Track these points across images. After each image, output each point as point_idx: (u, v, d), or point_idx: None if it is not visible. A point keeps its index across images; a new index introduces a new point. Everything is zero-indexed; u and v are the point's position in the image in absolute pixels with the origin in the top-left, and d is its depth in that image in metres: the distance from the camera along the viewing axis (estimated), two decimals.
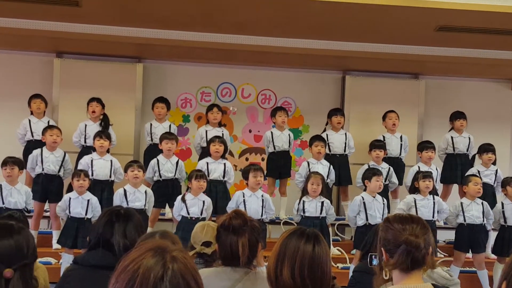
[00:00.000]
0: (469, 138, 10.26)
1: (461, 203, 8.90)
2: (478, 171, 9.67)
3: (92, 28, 9.61)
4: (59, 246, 8.44)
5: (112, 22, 9.53)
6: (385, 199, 8.85)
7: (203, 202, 8.42)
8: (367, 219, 8.57)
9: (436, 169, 9.84)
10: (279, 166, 9.88)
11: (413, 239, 2.97)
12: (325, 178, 9.12)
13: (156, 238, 3.25)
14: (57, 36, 9.64)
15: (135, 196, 8.40)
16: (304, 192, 8.74)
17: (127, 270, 1.90)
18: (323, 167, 9.39)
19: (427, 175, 8.91)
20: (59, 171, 8.97)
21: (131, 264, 1.91)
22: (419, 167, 9.55)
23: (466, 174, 9.50)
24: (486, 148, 9.83)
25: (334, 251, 9.02)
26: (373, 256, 3.29)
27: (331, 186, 9.76)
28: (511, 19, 8.78)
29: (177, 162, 9.20)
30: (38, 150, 8.96)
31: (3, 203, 8.19)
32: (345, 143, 10.03)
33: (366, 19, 9.04)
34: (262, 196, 8.65)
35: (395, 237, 3.00)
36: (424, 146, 9.85)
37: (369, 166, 9.48)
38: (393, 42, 10.05)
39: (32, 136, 9.49)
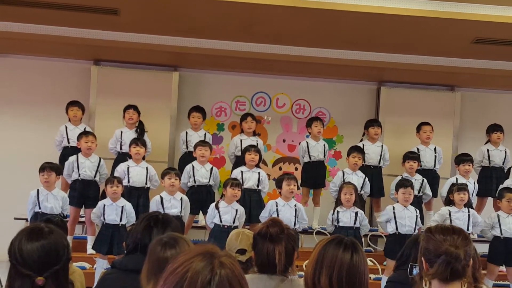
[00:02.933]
0: (506, 151, 10.17)
1: (498, 215, 8.83)
2: None
3: (129, 36, 9.72)
4: (93, 252, 8.49)
5: (149, 31, 9.64)
6: (417, 210, 8.81)
7: (236, 210, 8.44)
8: (397, 228, 8.56)
9: (474, 183, 9.77)
10: (313, 176, 9.89)
11: (453, 250, 2.97)
12: (359, 189, 9.11)
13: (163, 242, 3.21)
14: (95, 44, 9.78)
15: (171, 203, 8.45)
16: (338, 202, 8.73)
17: (175, 272, 1.93)
18: (357, 178, 9.37)
19: (462, 187, 8.86)
20: (95, 176, 9.06)
21: (180, 267, 1.93)
22: (456, 179, 9.50)
23: (501, 188, 9.41)
24: None
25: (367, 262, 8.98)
26: (413, 266, 3.28)
27: (365, 198, 9.74)
28: None
29: (211, 169, 9.26)
30: (74, 156, 9.05)
31: (40, 208, 8.27)
32: (381, 155, 10.01)
33: (402, 31, 9.04)
34: (295, 205, 8.66)
35: (435, 247, 2.99)
36: (462, 159, 9.78)
37: (402, 177, 9.43)
38: (429, 54, 10.03)
39: (68, 143, 9.60)
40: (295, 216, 8.57)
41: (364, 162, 9.77)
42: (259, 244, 3.78)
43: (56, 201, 8.33)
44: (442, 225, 3.17)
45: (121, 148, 9.65)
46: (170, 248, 3.12)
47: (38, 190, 8.34)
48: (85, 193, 8.96)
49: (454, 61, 10.14)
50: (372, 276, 8.79)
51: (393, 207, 8.69)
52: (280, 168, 11.02)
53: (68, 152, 9.46)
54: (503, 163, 10.17)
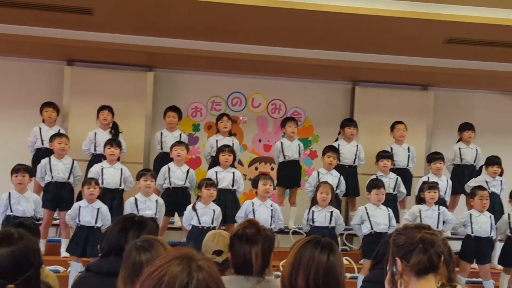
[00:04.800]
0: (477, 149, 10.30)
1: (470, 214, 8.92)
2: (486, 181, 9.69)
3: (103, 36, 9.63)
4: (67, 255, 8.44)
5: (124, 31, 9.56)
6: (390, 209, 8.88)
7: (214, 211, 8.45)
8: (372, 228, 8.62)
9: (448, 180, 9.86)
10: (289, 176, 9.92)
11: (429, 236, 2.97)
12: (335, 188, 9.15)
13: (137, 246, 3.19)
14: (69, 44, 9.68)
15: (146, 204, 8.42)
16: (314, 202, 8.78)
17: (152, 276, 1.92)
18: (332, 178, 9.42)
19: (433, 186, 8.97)
20: (68, 178, 8.98)
21: (156, 271, 1.93)
22: (428, 178, 9.60)
23: (473, 186, 9.50)
24: (493, 161, 9.87)
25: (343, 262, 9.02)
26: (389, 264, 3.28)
27: (341, 197, 9.79)
28: None
29: (187, 171, 9.24)
30: (46, 159, 8.97)
31: (11, 211, 8.20)
32: (356, 155, 10.07)
33: (376, 31, 9.08)
34: (271, 205, 8.69)
35: (409, 240, 2.98)
36: (433, 157, 9.88)
37: (376, 176, 9.49)
38: (403, 54, 10.08)
39: (42, 144, 9.50)
40: (272, 216, 8.60)
41: (339, 161, 9.81)
42: (236, 245, 3.79)
43: (28, 203, 8.27)
44: (409, 224, 3.20)
45: (95, 150, 9.58)
46: (145, 251, 3.10)
47: (9, 193, 8.26)
48: (59, 196, 8.90)
49: (427, 60, 10.20)
50: (348, 275, 8.82)
51: (365, 208, 8.77)
52: (256, 168, 11.03)
53: (41, 154, 9.38)
54: (474, 161, 10.29)
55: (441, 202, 9.13)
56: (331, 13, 8.42)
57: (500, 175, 9.89)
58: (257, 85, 11.06)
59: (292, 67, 10.25)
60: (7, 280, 2.56)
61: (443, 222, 8.90)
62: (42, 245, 8.48)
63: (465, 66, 10.24)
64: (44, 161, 8.97)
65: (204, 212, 8.40)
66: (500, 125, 11.40)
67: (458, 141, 10.43)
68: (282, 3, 8.35)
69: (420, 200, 8.99)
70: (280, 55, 9.94)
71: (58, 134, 9.15)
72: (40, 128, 9.61)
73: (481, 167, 10.22)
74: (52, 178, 8.90)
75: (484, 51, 9.72)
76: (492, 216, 8.94)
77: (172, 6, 8.46)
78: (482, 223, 8.84)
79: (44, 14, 8.90)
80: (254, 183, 8.78)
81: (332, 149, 9.65)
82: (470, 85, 11.13)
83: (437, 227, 8.70)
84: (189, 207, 8.52)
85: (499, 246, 9.32)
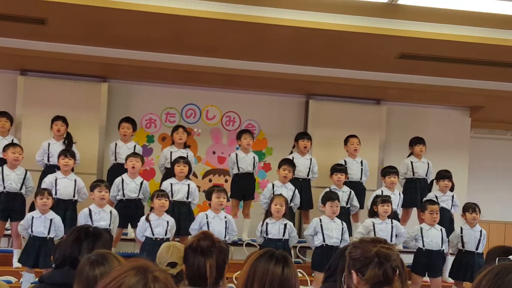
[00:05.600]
0: (428, 163, 10.42)
1: (421, 228, 9.05)
2: (436, 196, 9.84)
3: (57, 46, 9.55)
4: (19, 265, 8.34)
5: (78, 41, 9.50)
6: (344, 222, 8.95)
7: (167, 222, 8.43)
8: (324, 240, 8.69)
9: (400, 194, 9.99)
10: (243, 188, 9.94)
11: (384, 250, 3.02)
12: (289, 201, 9.20)
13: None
14: (22, 53, 9.57)
15: (100, 215, 8.36)
16: (268, 214, 8.81)
17: (111, 285, 1.94)
18: (287, 191, 9.46)
19: (385, 199, 9.04)
20: (20, 188, 8.88)
21: (112, 282, 1.94)
22: (382, 192, 9.68)
23: (424, 200, 9.64)
24: (443, 175, 10.01)
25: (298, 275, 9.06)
26: (344, 276, 3.33)
27: (295, 210, 9.85)
28: (471, 49, 9.03)
29: (141, 183, 9.21)
30: None
31: None
32: (309, 168, 10.12)
33: (329, 45, 9.19)
34: (225, 217, 8.70)
35: (365, 254, 3.03)
36: (387, 171, 9.96)
37: (330, 189, 9.56)
38: (356, 68, 10.20)
39: None
40: (226, 228, 8.61)
41: (294, 175, 9.86)
42: (190, 258, 3.80)
43: None
44: (366, 237, 3.24)
45: (48, 160, 9.49)
46: (98, 265, 3.09)
47: None
48: (10, 206, 8.79)
49: (380, 75, 10.34)
50: (301, 287, 8.89)
51: (320, 219, 8.83)
52: (210, 180, 11.04)
53: None
54: (426, 175, 10.42)
55: (393, 215, 9.24)
56: (285, 27, 8.50)
57: (451, 190, 10.05)
58: (211, 97, 11.08)
59: (247, 80, 10.30)
60: None
61: (396, 235, 9.00)
62: None
63: (417, 81, 10.40)
64: None
65: (157, 224, 8.38)
66: (451, 140, 11.62)
67: (409, 155, 10.57)
68: (239, 16, 8.40)
69: (373, 213, 9.06)
70: (234, 68, 9.98)
71: (12, 144, 9.04)
72: None
73: (432, 182, 10.36)
74: (4, 188, 8.79)
75: (436, 66, 9.90)
76: (443, 229, 9.07)
77: (126, 17, 8.44)
78: (433, 237, 8.96)
79: None
80: (208, 195, 8.79)
81: (288, 162, 9.70)
82: (422, 100, 11.30)
83: (391, 240, 8.78)
84: (143, 218, 8.49)
85: (450, 260, 9.47)
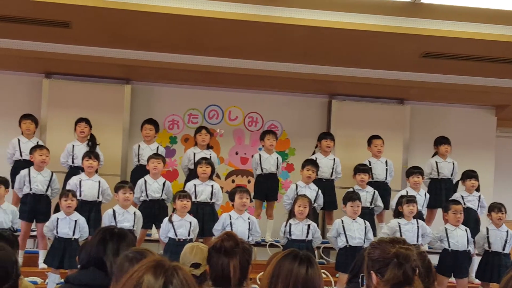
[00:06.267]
0: (453, 163, 10.33)
1: (446, 228, 8.97)
2: (462, 196, 9.76)
3: (81, 49, 9.65)
4: (45, 266, 8.39)
5: (101, 44, 9.59)
6: (367, 222, 8.90)
7: (190, 223, 8.44)
8: (347, 241, 8.66)
9: (425, 194, 9.90)
10: (266, 188, 9.93)
11: (403, 251, 3.00)
12: (313, 202, 9.17)
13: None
14: (47, 56, 9.68)
15: (124, 216, 8.40)
16: (291, 214, 8.78)
17: (131, 279, 1.95)
18: (310, 191, 9.43)
19: (411, 199, 8.96)
20: (46, 190, 8.96)
21: (135, 273, 1.96)
22: (407, 192, 9.58)
23: (449, 200, 9.56)
24: (469, 175, 9.91)
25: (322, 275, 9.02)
26: (364, 277, 3.31)
27: (318, 211, 9.82)
28: (495, 47, 8.95)
29: (164, 183, 9.23)
30: (26, 170, 8.95)
31: None
32: (333, 168, 10.07)
33: (352, 45, 9.16)
34: (248, 218, 8.69)
35: (383, 255, 3.01)
36: (412, 171, 9.86)
37: (353, 189, 9.51)
38: (379, 68, 10.16)
39: (21, 156, 9.49)
40: (249, 229, 8.60)
41: (317, 175, 9.83)
42: (214, 258, 3.79)
43: (5, 215, 8.23)
44: (385, 238, 3.20)
45: (73, 162, 9.56)
46: (137, 262, 3.10)
47: None
48: (36, 208, 8.87)
49: (403, 74, 10.29)
50: None
51: (342, 221, 8.79)
52: (233, 181, 11.04)
53: (20, 165, 9.35)
54: (451, 175, 10.33)
55: (418, 216, 9.17)
56: (308, 27, 8.49)
57: (477, 190, 9.95)
58: (234, 98, 11.09)
59: (269, 80, 10.30)
60: None
61: (422, 235, 8.93)
62: (20, 256, 8.46)
63: (441, 80, 10.34)
64: (24, 172, 8.94)
65: (180, 225, 8.40)
66: (477, 139, 11.51)
67: (434, 155, 10.48)
68: (260, 17, 8.41)
69: (398, 214, 9.00)
70: (256, 69, 9.99)
71: (39, 146, 9.13)
72: (19, 140, 9.59)
73: (457, 182, 10.26)
74: (31, 190, 8.87)
75: (460, 65, 9.83)
76: (468, 230, 8.97)
77: (148, 20, 8.49)
78: (458, 237, 8.87)
79: (22, 27, 8.89)
80: (231, 196, 8.79)
81: (311, 163, 9.67)
82: (446, 99, 11.22)
83: (417, 241, 8.74)
84: (166, 219, 8.51)
85: (477, 260, 9.38)
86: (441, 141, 10.41)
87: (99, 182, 9.02)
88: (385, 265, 2.98)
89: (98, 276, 3.57)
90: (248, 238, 8.44)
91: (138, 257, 3.13)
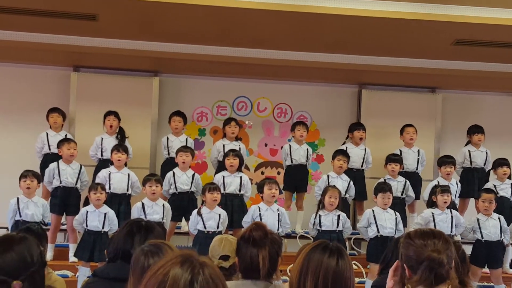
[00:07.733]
0: (487, 152, 10.19)
1: (478, 219, 8.83)
2: (494, 186, 9.62)
3: (109, 42, 9.64)
4: (75, 259, 8.44)
5: (129, 36, 9.57)
6: (397, 213, 8.83)
7: (219, 215, 8.42)
8: (378, 231, 8.58)
9: (457, 183, 9.78)
10: (296, 180, 9.87)
11: (436, 256, 2.91)
12: (344, 193, 9.09)
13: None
14: (74, 50, 9.69)
15: (153, 209, 8.41)
16: (321, 205, 8.72)
17: (156, 275, 1.91)
18: (342, 182, 9.37)
19: (445, 189, 8.87)
20: (76, 183, 8.99)
21: (160, 269, 1.92)
22: (438, 182, 9.46)
23: (482, 189, 9.43)
24: (501, 162, 9.80)
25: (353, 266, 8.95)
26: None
27: (350, 202, 9.74)
28: None
29: (193, 175, 9.21)
30: (55, 163, 8.99)
31: (20, 216, 8.25)
32: (364, 158, 10.01)
33: (382, 33, 9.05)
34: (278, 210, 8.65)
35: (417, 254, 2.94)
36: (444, 161, 9.77)
37: (384, 180, 9.43)
38: (410, 56, 10.04)
39: (50, 150, 9.54)
40: (278, 221, 8.55)
41: (348, 165, 9.73)
42: (243, 249, 3.74)
43: (36, 208, 8.31)
44: (421, 230, 3.11)
45: (102, 155, 9.58)
46: (153, 255, 3.05)
47: (18, 198, 8.30)
48: (66, 201, 8.91)
49: (434, 62, 10.15)
50: (356, 279, 8.76)
51: (373, 211, 8.73)
52: (262, 173, 10.98)
53: (48, 158, 9.41)
54: (484, 164, 10.19)
55: (452, 205, 9.06)
56: (337, 16, 8.41)
57: (509, 178, 9.80)
58: (262, 89, 11.03)
59: (298, 71, 10.22)
60: (12, 278, 2.57)
61: (456, 225, 8.82)
62: (50, 249, 8.59)
63: (474, 68, 10.17)
64: (53, 165, 8.99)
65: (209, 217, 8.37)
66: (509, 128, 11.32)
67: (467, 144, 10.34)
68: (288, 6, 8.34)
69: (432, 203, 8.90)
70: (285, 59, 9.91)
71: (66, 140, 9.16)
72: (47, 134, 9.64)
73: (489, 171, 10.13)
74: (60, 183, 8.91)
75: (493, 53, 9.67)
76: (502, 218, 8.84)
77: (175, 11, 8.46)
78: (491, 227, 8.76)
79: (49, 20, 8.91)
80: (259, 187, 8.74)
81: (342, 153, 9.61)
82: (479, 87, 11.06)
83: (451, 231, 8.66)
84: (194, 212, 8.49)
85: (511, 250, 9.24)
86: (475, 130, 10.26)
87: (128, 175, 9.03)
88: (417, 264, 2.92)
89: (126, 269, 3.52)
90: (277, 230, 8.40)
91: (154, 251, 3.08)
